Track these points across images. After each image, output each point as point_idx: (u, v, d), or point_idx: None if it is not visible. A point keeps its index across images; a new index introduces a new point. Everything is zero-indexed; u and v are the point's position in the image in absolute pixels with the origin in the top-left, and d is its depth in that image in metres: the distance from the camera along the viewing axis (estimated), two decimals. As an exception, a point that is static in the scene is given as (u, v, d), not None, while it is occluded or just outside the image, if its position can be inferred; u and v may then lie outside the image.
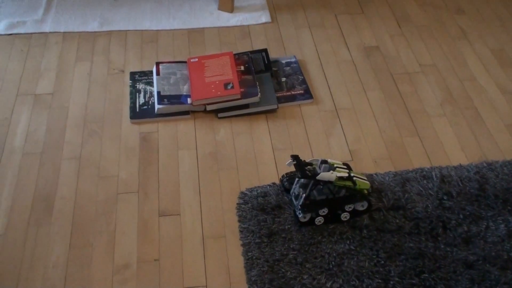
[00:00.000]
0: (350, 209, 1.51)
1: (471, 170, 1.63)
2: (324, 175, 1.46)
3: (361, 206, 1.51)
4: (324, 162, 1.50)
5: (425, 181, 1.60)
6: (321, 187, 1.48)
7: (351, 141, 1.74)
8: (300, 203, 1.48)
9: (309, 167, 1.50)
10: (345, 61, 2.02)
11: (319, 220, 1.50)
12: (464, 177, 1.61)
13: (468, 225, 1.50)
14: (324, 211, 1.49)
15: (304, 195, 1.48)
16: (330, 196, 1.49)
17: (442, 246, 1.45)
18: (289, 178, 1.58)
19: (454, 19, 2.23)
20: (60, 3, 2.21)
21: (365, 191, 1.52)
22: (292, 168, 1.62)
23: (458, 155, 1.71)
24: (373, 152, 1.72)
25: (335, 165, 1.51)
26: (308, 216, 1.49)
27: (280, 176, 1.62)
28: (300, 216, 1.48)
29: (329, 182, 1.47)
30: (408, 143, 1.74)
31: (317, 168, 1.49)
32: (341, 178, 1.48)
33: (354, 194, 1.49)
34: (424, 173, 1.63)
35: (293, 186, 1.54)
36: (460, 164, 1.67)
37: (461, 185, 1.59)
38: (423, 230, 1.49)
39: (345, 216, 1.51)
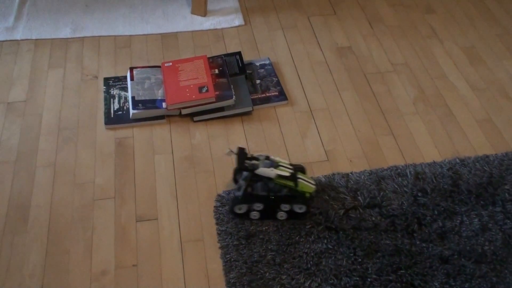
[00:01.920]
0: (286, 209, 1.51)
1: (445, 166, 1.66)
2: (263, 171, 1.46)
3: (299, 208, 1.51)
4: (267, 158, 1.51)
5: (399, 179, 1.62)
6: (263, 183, 1.49)
7: (327, 141, 1.76)
8: (237, 194, 1.50)
9: (254, 161, 1.50)
10: (319, 62, 2.04)
11: (254, 215, 1.51)
12: (438, 174, 1.63)
13: (443, 220, 1.52)
14: (259, 206, 1.50)
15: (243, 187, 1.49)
16: (271, 193, 1.50)
17: (418, 242, 1.47)
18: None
19: (425, 18, 2.26)
20: (31, 10, 2.19)
21: (307, 194, 1.51)
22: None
23: (431, 152, 1.73)
24: (348, 152, 1.73)
25: (280, 163, 1.51)
26: (244, 208, 1.50)
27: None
28: (235, 207, 1.50)
29: (269, 178, 1.47)
30: (383, 142, 1.76)
31: (261, 164, 1.50)
32: (281, 176, 1.48)
33: (295, 195, 1.50)
34: (399, 170, 1.65)
35: (240, 179, 1.56)
36: (433, 161, 1.70)
37: (435, 181, 1.61)
38: (399, 227, 1.50)
39: (281, 215, 1.51)
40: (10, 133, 1.73)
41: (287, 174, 1.48)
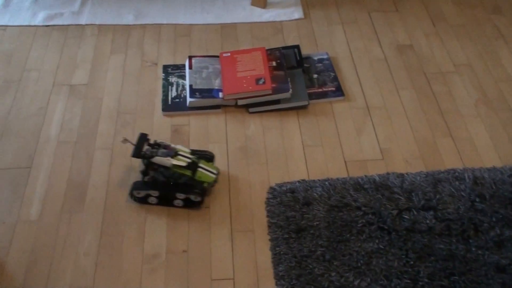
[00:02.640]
0: (182, 198, 1.53)
1: (505, 172, 1.61)
2: (159, 160, 1.50)
3: (194, 197, 1.52)
4: (165, 147, 1.54)
5: (457, 182, 1.58)
6: (162, 170, 1.52)
7: (382, 140, 1.73)
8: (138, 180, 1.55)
9: (155, 149, 1.53)
10: (378, 59, 2.01)
11: (151, 200, 1.54)
12: (498, 180, 1.58)
13: (501, 228, 1.47)
14: (155, 193, 1.53)
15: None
16: (171, 180, 1.53)
17: (473, 249, 1.43)
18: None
19: (491, 18, 2.19)
20: (96, -5, 2.24)
21: (205, 184, 1.53)
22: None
23: (491, 157, 1.68)
24: (404, 152, 1.70)
25: (179, 152, 1.54)
26: (142, 193, 1.53)
27: (308, 173, 1.62)
28: (133, 191, 1.53)
29: (166, 167, 1.51)
30: (441, 143, 1.72)
31: (158, 152, 1.52)
32: (178, 166, 1.50)
33: (192, 184, 1.52)
34: (457, 174, 1.61)
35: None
36: (493, 166, 1.64)
37: (494, 187, 1.56)
38: (454, 232, 1.47)
39: (177, 203, 1.54)
40: (72, 114, 1.78)
41: (183, 164, 1.51)
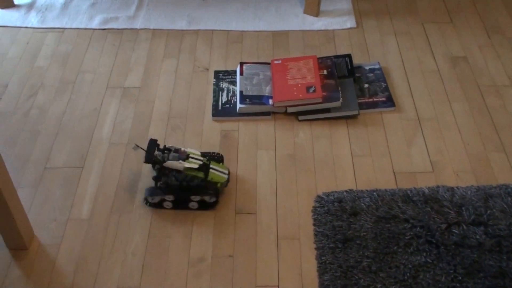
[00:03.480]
0: (197, 200, 1.54)
1: (561, 190, 1.56)
2: (171, 164, 1.51)
3: (209, 198, 1.54)
4: (176, 151, 1.55)
5: (509, 198, 1.54)
6: (175, 173, 1.53)
7: (433, 152, 1.71)
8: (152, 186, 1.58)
9: (165, 153, 1.55)
10: (431, 70, 1.98)
11: (167, 205, 1.56)
12: (553, 197, 1.54)
13: (555, 248, 1.43)
14: (170, 197, 1.54)
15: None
16: (184, 183, 1.54)
17: (525, 267, 1.39)
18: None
19: (549, 32, 2.13)
20: (152, 1, 2.29)
21: (218, 185, 1.55)
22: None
23: (547, 174, 1.64)
24: (455, 165, 1.67)
25: (190, 155, 1.55)
26: (156, 198, 1.55)
27: (356, 183, 1.61)
28: (148, 197, 1.55)
29: (178, 171, 1.52)
30: (493, 158, 1.68)
31: (170, 156, 1.54)
32: (191, 168, 1.52)
33: (206, 185, 1.54)
34: (509, 190, 1.57)
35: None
36: (548, 183, 1.60)
37: (549, 205, 1.52)
38: (505, 249, 1.43)
39: (192, 205, 1.55)
40: (124, 117, 1.82)
41: (195, 166, 1.52)
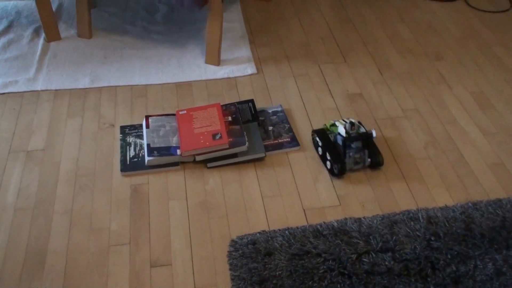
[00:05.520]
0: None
1: (457, 210, 1.67)
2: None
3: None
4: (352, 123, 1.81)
5: (412, 223, 1.63)
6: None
7: (339, 186, 1.78)
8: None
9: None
10: (330, 108, 2.08)
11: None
12: (450, 218, 1.64)
13: (457, 264, 1.52)
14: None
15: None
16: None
17: (432, 287, 1.46)
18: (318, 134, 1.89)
19: (434, 65, 2.31)
20: (52, 62, 2.27)
21: None
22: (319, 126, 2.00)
23: (443, 196, 1.74)
24: (360, 196, 1.75)
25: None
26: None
27: (269, 223, 1.65)
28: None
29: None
30: (394, 186, 1.78)
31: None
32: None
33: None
34: (411, 215, 1.66)
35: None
36: (446, 205, 1.70)
37: (447, 225, 1.62)
38: (412, 272, 1.50)
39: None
40: (29, 180, 1.78)
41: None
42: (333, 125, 1.87)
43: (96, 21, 2.52)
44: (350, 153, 1.79)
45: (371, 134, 1.82)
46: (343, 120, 1.86)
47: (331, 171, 1.81)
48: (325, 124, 1.91)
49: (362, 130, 1.84)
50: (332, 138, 1.85)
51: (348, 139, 1.79)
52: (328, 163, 1.82)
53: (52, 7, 2.32)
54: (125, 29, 2.49)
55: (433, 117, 2.04)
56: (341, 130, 1.81)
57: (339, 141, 1.81)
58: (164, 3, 2.38)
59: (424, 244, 1.56)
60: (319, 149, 1.86)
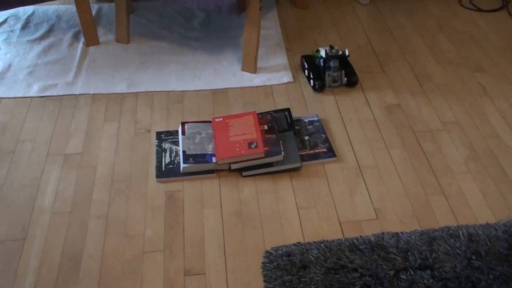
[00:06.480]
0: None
1: (499, 228, 1.62)
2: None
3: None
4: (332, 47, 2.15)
5: (452, 240, 1.59)
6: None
7: (376, 199, 1.75)
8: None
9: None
10: (368, 119, 2.05)
11: None
12: (492, 236, 1.59)
13: (499, 285, 1.47)
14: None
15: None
16: None
17: (472, 307, 1.42)
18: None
19: (474, 76, 2.26)
20: (90, 66, 2.29)
21: None
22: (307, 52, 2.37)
23: (484, 213, 1.69)
24: (398, 210, 1.71)
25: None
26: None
27: (304, 235, 1.62)
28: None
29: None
30: (434, 201, 1.74)
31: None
32: None
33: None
34: (451, 231, 1.61)
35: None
36: (487, 222, 1.65)
37: (489, 244, 1.57)
38: (451, 291, 1.46)
39: None
40: (66, 184, 1.79)
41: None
42: (318, 51, 2.20)
43: (134, 27, 2.54)
44: (329, 72, 2.12)
45: (345, 53, 2.15)
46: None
47: (313, 87, 2.15)
48: (312, 51, 2.27)
49: (340, 53, 2.15)
50: (316, 62, 2.20)
51: (327, 59, 2.13)
52: (311, 81, 2.15)
53: (92, 12, 2.35)
54: (162, 35, 2.50)
55: (474, 131, 1.99)
56: (322, 53, 2.14)
57: (321, 63, 2.15)
58: (202, 9, 2.38)
59: (465, 263, 1.52)
60: (306, 71, 2.22)
